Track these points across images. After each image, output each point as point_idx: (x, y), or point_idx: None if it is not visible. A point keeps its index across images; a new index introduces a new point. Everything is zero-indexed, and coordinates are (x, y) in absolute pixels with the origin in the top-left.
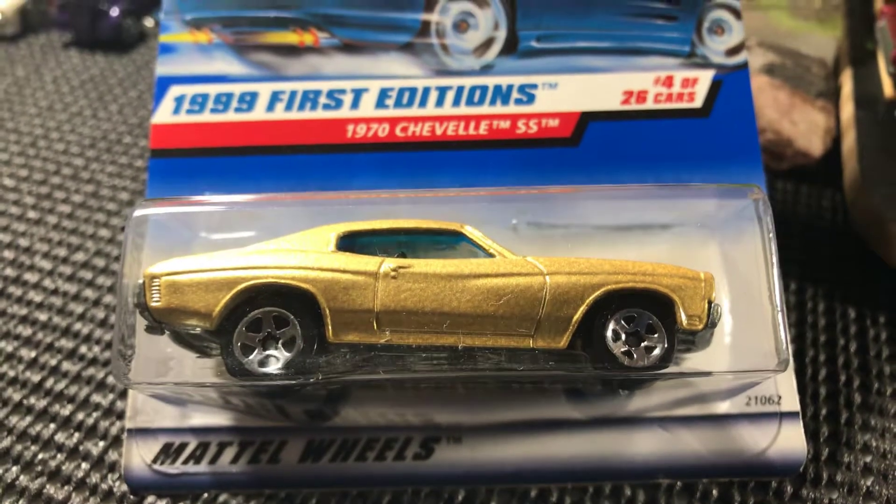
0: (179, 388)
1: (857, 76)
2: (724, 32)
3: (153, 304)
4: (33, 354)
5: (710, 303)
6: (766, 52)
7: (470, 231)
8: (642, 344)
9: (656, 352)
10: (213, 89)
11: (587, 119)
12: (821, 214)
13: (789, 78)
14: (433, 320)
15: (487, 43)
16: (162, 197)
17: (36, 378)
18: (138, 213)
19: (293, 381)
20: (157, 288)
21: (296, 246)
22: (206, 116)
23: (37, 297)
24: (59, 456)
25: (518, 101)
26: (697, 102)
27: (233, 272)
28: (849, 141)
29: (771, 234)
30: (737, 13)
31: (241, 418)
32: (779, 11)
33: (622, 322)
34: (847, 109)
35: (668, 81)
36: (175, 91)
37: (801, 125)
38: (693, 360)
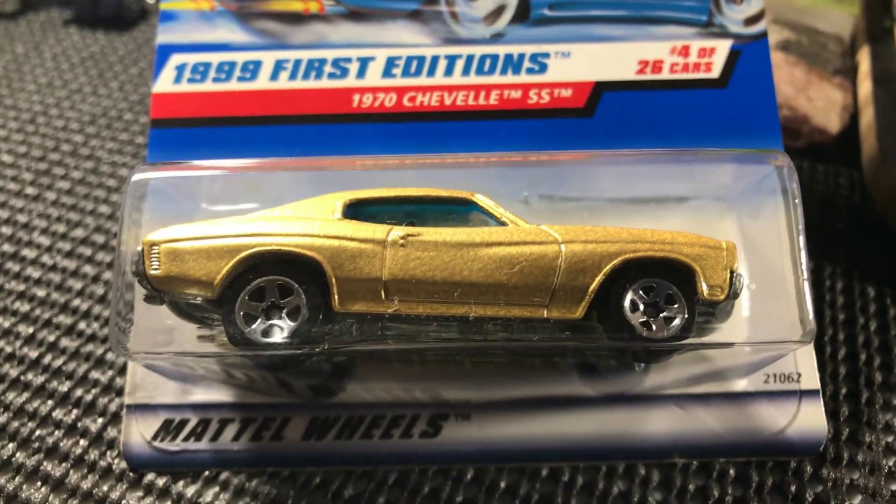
0: (180, 359)
1: (874, 53)
2: (743, 1)
3: (152, 273)
4: (31, 330)
5: (732, 272)
6: (782, 29)
7: (481, 199)
8: (661, 315)
9: (676, 322)
10: (215, 58)
11: (601, 89)
12: (839, 192)
13: (805, 55)
14: (443, 289)
15: (498, 10)
16: (161, 161)
17: (34, 354)
18: (137, 177)
19: (297, 351)
20: (157, 255)
21: (300, 213)
22: (209, 86)
23: (35, 272)
24: (56, 433)
25: (530, 71)
26: (715, 73)
27: (235, 239)
28: (867, 118)
29: (797, 201)
30: None
31: (243, 394)
32: None
33: (640, 292)
34: (865, 86)
35: (685, 51)
36: (176, 59)
37: (818, 102)
38: (713, 333)
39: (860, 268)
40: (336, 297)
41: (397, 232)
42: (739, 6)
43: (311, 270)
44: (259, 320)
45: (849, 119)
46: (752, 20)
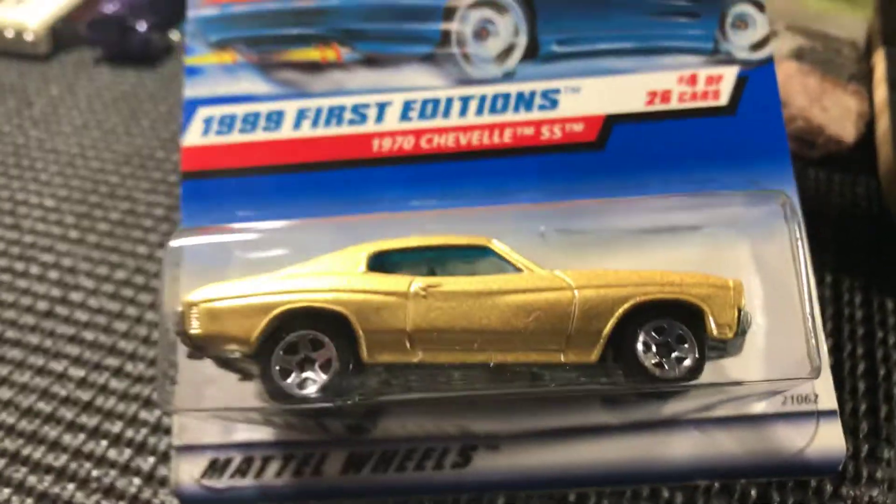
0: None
1: (889, 57)
2: (748, 27)
3: (193, 332)
4: (82, 373)
5: (739, 310)
6: (795, 36)
7: (497, 245)
8: (673, 355)
9: (687, 362)
10: (240, 109)
11: (612, 122)
12: (856, 202)
13: (819, 62)
14: (464, 338)
15: (508, 49)
16: (196, 226)
17: (86, 397)
18: (175, 243)
19: (331, 404)
20: (196, 315)
21: (328, 267)
22: (235, 137)
23: (83, 316)
24: (112, 472)
25: (541, 107)
26: (723, 100)
27: (268, 297)
28: (883, 125)
29: (799, 243)
30: (760, 6)
31: (283, 433)
32: None
33: (652, 333)
34: (880, 92)
35: (693, 80)
36: (203, 113)
37: (833, 111)
38: (724, 365)
39: (878, 280)
40: (364, 348)
41: (418, 283)
42: (745, 32)
43: (339, 324)
44: (294, 374)
45: (864, 127)
46: (757, 45)
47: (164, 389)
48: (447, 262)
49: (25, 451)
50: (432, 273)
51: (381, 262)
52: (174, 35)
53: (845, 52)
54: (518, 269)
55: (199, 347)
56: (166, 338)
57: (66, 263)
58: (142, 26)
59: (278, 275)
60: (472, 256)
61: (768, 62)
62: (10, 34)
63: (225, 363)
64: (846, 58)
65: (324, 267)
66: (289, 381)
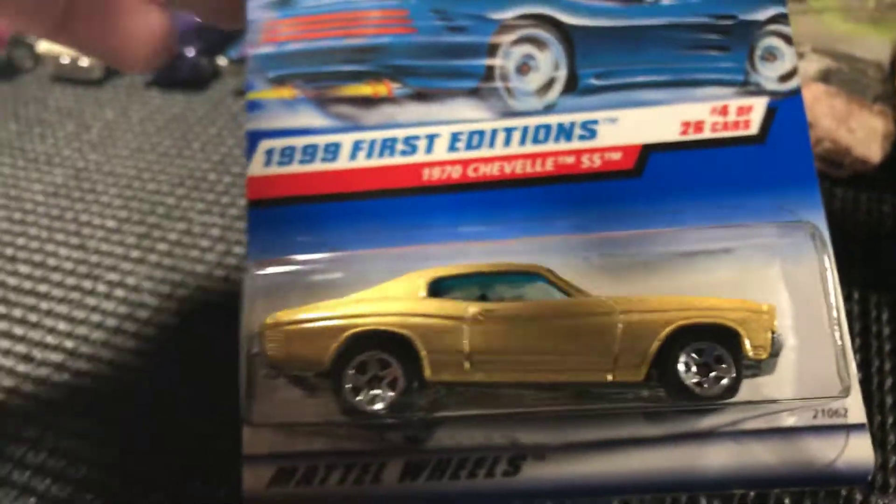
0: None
1: None
2: (777, 59)
3: (270, 353)
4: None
5: (772, 333)
6: (822, 58)
7: (547, 272)
8: (711, 374)
9: (725, 381)
10: (299, 142)
11: (648, 151)
12: (882, 220)
13: (845, 83)
14: (518, 359)
15: (549, 83)
16: (270, 258)
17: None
18: (252, 274)
19: (399, 418)
20: (273, 338)
21: (392, 292)
22: (295, 167)
23: (150, 332)
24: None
25: (581, 137)
26: (753, 129)
27: (339, 321)
28: None
29: (828, 272)
30: (788, 39)
31: (344, 443)
32: (832, 14)
33: (693, 354)
34: None
35: (724, 110)
36: (265, 145)
37: (859, 132)
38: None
39: None
40: (427, 368)
41: (475, 308)
42: (773, 64)
43: (405, 346)
44: (363, 391)
45: (890, 147)
46: (786, 77)
47: (246, 405)
48: (497, 287)
49: (105, 458)
50: (483, 297)
51: (439, 287)
52: (221, 60)
53: (871, 73)
54: (568, 294)
55: (276, 367)
56: (246, 357)
57: (130, 282)
58: (190, 52)
59: (347, 300)
60: (522, 282)
61: (796, 93)
62: (65, 60)
63: (297, 381)
64: (872, 79)
65: (389, 292)
66: (359, 398)
